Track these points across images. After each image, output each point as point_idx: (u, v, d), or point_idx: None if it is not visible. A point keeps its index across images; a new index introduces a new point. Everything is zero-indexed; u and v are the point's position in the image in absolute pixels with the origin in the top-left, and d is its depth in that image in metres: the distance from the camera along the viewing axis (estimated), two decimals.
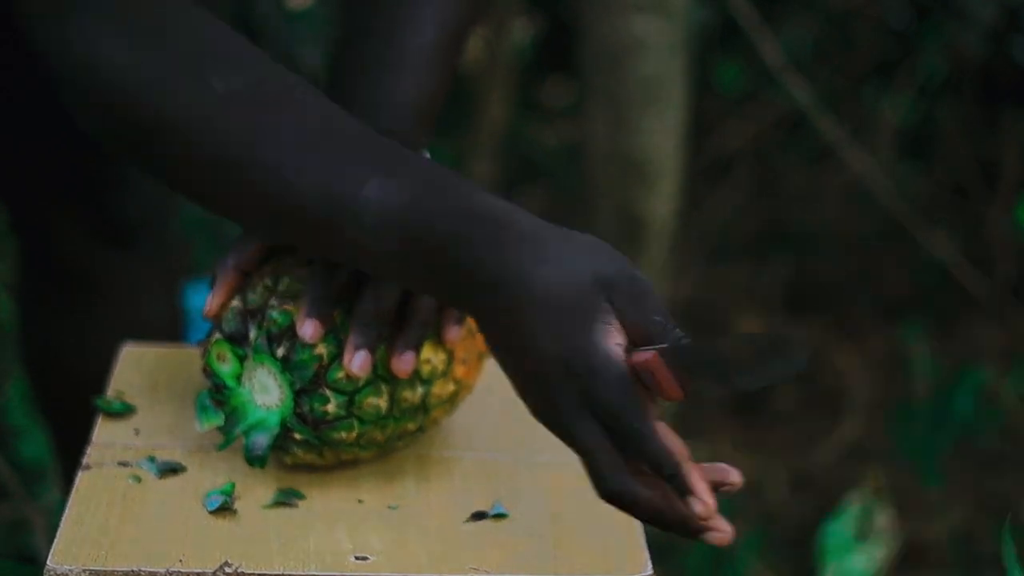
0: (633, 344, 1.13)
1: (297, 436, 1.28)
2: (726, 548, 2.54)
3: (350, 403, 1.27)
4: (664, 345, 1.11)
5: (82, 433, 1.40)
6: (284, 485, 1.30)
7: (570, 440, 1.13)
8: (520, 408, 1.47)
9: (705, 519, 1.11)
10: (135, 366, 1.47)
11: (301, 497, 1.29)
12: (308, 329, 1.25)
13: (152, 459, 1.33)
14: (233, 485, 1.29)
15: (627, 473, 1.12)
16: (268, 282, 1.30)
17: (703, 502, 1.11)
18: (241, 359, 1.29)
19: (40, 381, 2.09)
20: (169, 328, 1.99)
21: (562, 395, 1.12)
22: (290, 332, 1.26)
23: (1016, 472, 2.86)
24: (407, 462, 1.37)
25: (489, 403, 1.46)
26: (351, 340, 1.26)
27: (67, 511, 1.24)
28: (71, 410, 1.85)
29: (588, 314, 1.11)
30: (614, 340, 1.11)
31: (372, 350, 1.26)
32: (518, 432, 1.43)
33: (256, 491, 1.30)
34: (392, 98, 1.37)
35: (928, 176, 3.55)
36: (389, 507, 1.29)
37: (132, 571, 1.18)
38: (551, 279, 1.11)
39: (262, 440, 1.28)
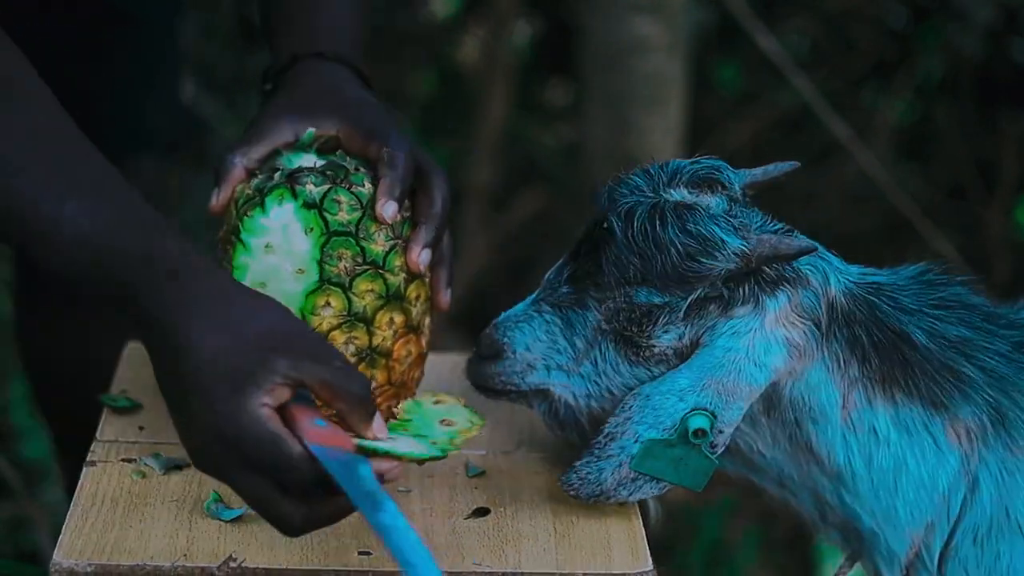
0: (316, 395, 1.16)
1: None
2: (726, 547, 2.56)
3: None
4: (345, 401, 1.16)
5: (83, 432, 1.40)
6: None
7: (237, 492, 1.16)
8: (518, 410, 1.48)
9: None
10: (140, 364, 1.48)
11: None
12: (390, 209, 1.30)
13: (157, 455, 1.33)
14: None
15: (296, 507, 1.15)
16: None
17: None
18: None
19: (42, 381, 2.10)
20: None
21: (217, 456, 1.14)
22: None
23: None
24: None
25: (488, 405, 1.47)
26: (421, 235, 1.32)
27: (72, 507, 1.25)
28: (72, 409, 1.85)
29: (241, 378, 1.12)
30: (260, 402, 1.12)
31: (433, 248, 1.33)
32: (517, 432, 1.44)
33: None
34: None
35: (926, 176, 3.55)
36: None
37: (137, 566, 1.19)
38: (207, 343, 1.13)
39: None
